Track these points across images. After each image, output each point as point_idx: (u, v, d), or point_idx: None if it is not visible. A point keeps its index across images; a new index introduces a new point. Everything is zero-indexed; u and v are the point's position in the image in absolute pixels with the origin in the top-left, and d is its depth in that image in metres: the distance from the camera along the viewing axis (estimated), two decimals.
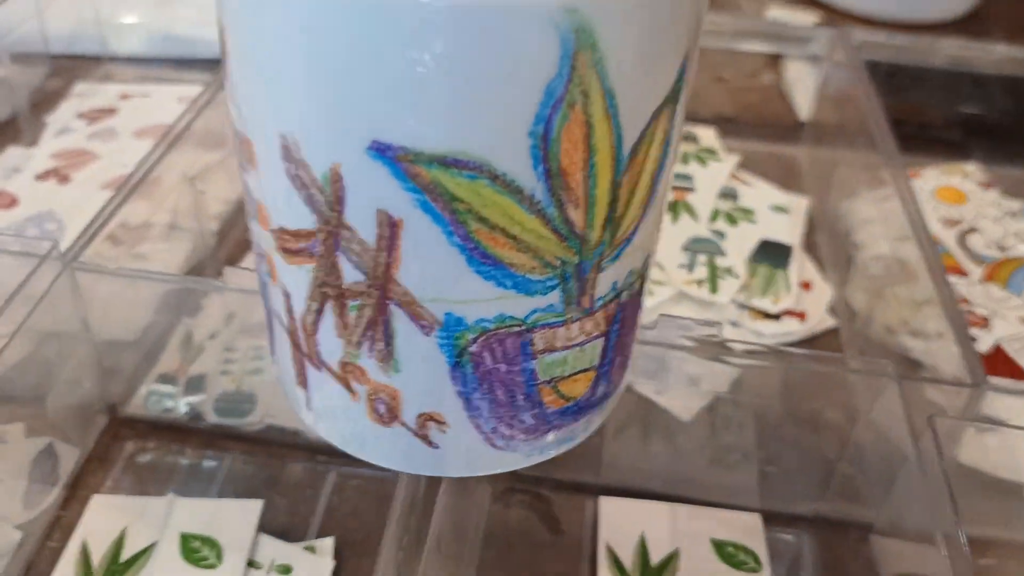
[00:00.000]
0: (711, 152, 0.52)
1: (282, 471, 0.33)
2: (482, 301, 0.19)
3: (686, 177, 0.49)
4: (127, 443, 0.33)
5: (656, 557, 0.30)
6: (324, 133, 0.17)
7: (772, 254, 0.45)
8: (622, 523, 0.31)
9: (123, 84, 0.52)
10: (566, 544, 0.31)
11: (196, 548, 0.29)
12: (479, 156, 0.17)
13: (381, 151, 0.17)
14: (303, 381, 0.23)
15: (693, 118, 0.54)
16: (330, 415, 0.23)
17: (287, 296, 0.21)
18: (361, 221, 0.18)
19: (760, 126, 0.56)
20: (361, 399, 0.22)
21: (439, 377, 0.21)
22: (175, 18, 0.56)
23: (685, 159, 0.51)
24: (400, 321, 0.20)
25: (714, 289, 0.41)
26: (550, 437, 0.23)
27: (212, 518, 0.30)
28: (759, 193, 0.49)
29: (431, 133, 0.17)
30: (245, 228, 0.43)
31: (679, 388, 0.36)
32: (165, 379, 0.36)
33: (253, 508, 0.30)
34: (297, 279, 0.20)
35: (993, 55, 0.52)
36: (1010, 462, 0.30)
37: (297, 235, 0.19)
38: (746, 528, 0.32)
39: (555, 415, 0.22)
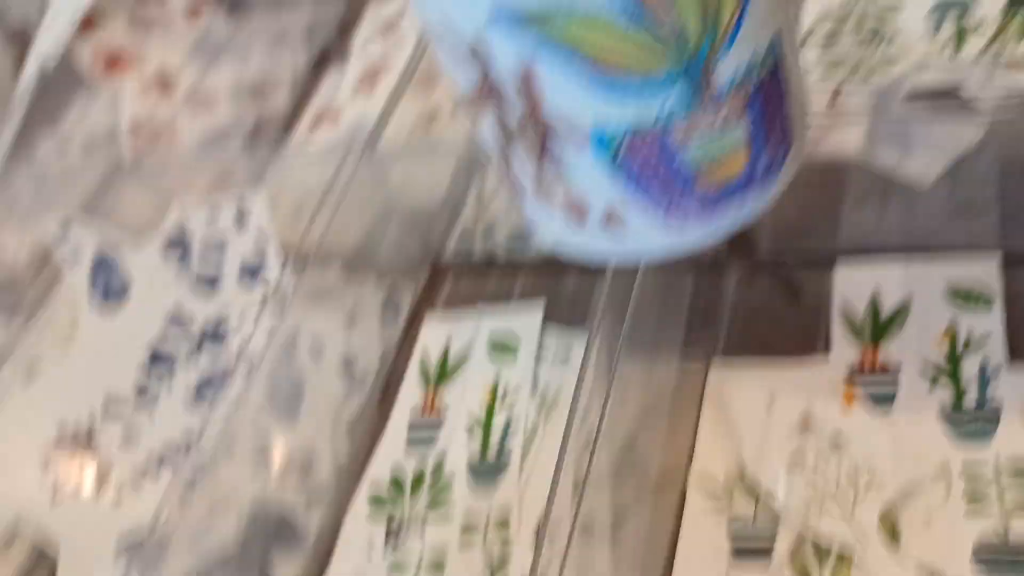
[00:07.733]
0: None
1: (561, 279, 0.40)
2: (612, 111, 0.24)
3: None
4: (445, 284, 0.43)
5: (887, 309, 0.33)
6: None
7: None
8: (857, 282, 0.34)
9: None
10: (806, 310, 0.35)
11: (499, 339, 0.38)
12: None
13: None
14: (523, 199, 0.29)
15: None
16: (543, 226, 0.29)
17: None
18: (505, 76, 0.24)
19: None
20: (557, 206, 0.28)
21: (604, 179, 0.26)
22: None
23: None
24: (556, 141, 0.25)
25: (959, 48, 0.40)
26: (726, 212, 0.27)
27: (509, 317, 0.39)
28: None
29: None
30: None
31: (919, 155, 0.37)
32: (466, 232, 0.44)
33: (538, 305, 0.39)
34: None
35: None
36: None
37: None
38: (983, 268, 0.33)
39: (721, 194, 0.26)
